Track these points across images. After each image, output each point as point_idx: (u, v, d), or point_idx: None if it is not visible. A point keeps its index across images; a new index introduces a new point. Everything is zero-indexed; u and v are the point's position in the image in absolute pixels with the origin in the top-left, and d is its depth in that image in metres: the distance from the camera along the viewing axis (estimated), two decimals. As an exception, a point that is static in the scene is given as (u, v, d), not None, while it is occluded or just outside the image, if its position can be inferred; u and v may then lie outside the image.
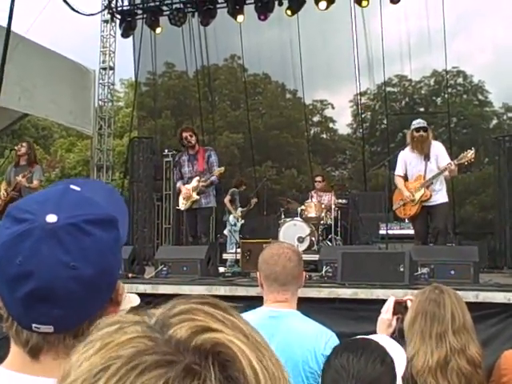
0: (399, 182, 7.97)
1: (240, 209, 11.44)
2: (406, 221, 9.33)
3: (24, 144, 9.59)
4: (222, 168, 8.71)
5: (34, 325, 1.03)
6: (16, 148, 9.60)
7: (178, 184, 8.94)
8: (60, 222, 1.02)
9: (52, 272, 1.00)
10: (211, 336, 0.58)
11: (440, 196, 7.69)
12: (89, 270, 1.02)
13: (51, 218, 1.02)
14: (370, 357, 1.83)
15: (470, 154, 7.51)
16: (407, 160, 7.92)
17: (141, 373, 0.55)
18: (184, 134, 8.76)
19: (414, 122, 8.00)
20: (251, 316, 2.83)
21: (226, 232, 11.67)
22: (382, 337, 2.00)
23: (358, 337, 2.00)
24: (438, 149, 7.85)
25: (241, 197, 12.14)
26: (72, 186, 1.12)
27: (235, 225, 11.07)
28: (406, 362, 2.70)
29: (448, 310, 2.69)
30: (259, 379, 0.57)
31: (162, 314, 0.62)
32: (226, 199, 11.48)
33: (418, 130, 7.82)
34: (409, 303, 2.88)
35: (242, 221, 11.38)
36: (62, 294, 1.01)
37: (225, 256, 10.66)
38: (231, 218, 11.20)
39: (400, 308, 2.91)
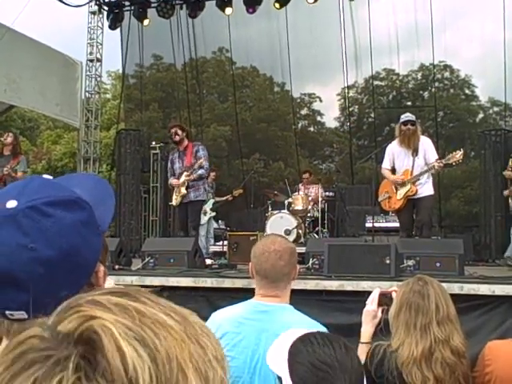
0: (386, 173, 8.01)
1: (212, 200, 11.24)
2: (391, 213, 9.39)
3: (10, 134, 9.58)
4: (201, 160, 8.68)
5: (7, 312, 1.04)
6: (2, 139, 9.55)
7: (170, 180, 8.99)
8: (19, 206, 1.02)
9: (11, 255, 1.00)
10: (88, 324, 0.58)
11: (426, 188, 7.73)
12: (49, 251, 1.02)
13: (11, 204, 1.03)
14: (342, 346, 1.79)
15: (459, 154, 7.54)
16: (395, 153, 7.95)
17: (16, 374, 0.56)
18: (171, 130, 8.80)
19: (402, 116, 8.04)
20: (240, 308, 2.83)
21: None
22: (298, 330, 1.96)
23: (302, 331, 1.91)
24: (426, 144, 7.88)
25: (222, 187, 12.09)
26: (43, 175, 1.13)
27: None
28: (391, 352, 2.73)
29: (432, 301, 2.71)
30: (126, 361, 0.56)
31: (58, 312, 0.62)
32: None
33: (405, 123, 7.85)
34: (394, 294, 2.90)
35: (213, 213, 11.20)
36: (25, 277, 1.00)
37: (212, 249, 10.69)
38: None
39: (385, 299, 2.93)
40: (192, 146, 8.82)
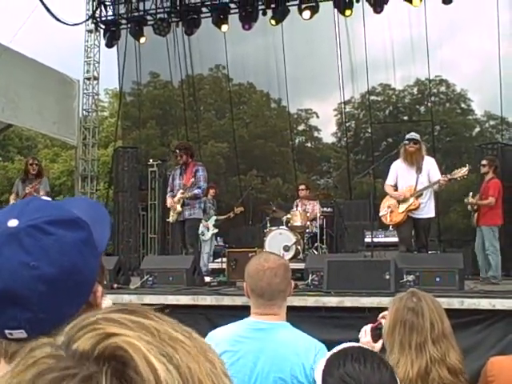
0: (389, 189, 8.04)
1: (214, 217, 11.27)
2: (391, 228, 9.38)
3: (32, 162, 9.90)
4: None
5: (6, 331, 1.03)
6: (28, 163, 9.90)
7: (167, 196, 9.09)
8: (21, 225, 1.03)
9: (13, 273, 1.01)
10: (110, 342, 0.58)
11: (427, 210, 7.77)
12: (51, 269, 1.03)
13: (12, 223, 1.03)
14: (374, 362, 1.78)
15: (465, 170, 7.62)
16: (398, 171, 8.01)
17: None
18: (176, 151, 9.02)
19: (407, 135, 8.15)
20: (238, 327, 2.80)
21: None
22: (357, 343, 1.98)
23: (345, 345, 1.92)
24: (430, 164, 7.97)
25: (220, 203, 12.09)
26: (43, 197, 1.15)
27: (203, 234, 10.94)
28: None
29: (427, 318, 2.64)
30: (158, 375, 0.57)
31: (69, 330, 0.62)
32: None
33: (408, 142, 7.94)
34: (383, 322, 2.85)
35: (215, 230, 11.21)
36: (27, 295, 1.01)
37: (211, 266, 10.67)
38: (200, 227, 11.03)
39: (377, 333, 2.88)
40: (193, 165, 8.91)
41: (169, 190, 9.15)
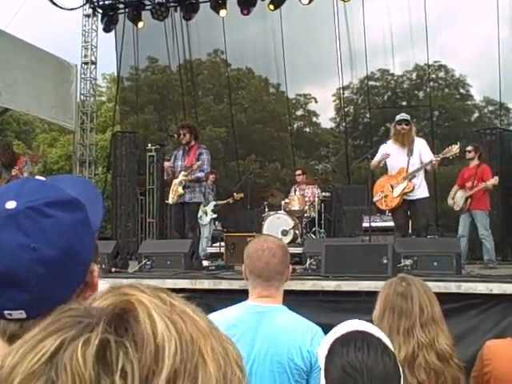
0: (373, 160, 8.06)
1: (213, 202, 11.26)
2: (388, 213, 9.40)
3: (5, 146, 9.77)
4: (199, 162, 8.64)
5: (6, 312, 1.05)
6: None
7: (167, 163, 8.95)
8: (19, 206, 1.04)
9: (13, 255, 1.02)
10: (124, 298, 0.63)
11: (421, 191, 7.77)
12: (50, 251, 1.03)
13: (10, 205, 1.04)
14: (377, 351, 1.76)
15: (456, 148, 7.62)
16: (389, 152, 7.98)
17: (45, 336, 0.61)
18: (179, 131, 8.76)
19: (397, 116, 8.12)
20: (235, 311, 2.81)
21: None
22: (363, 324, 1.94)
23: (349, 328, 1.87)
24: (421, 145, 7.95)
25: (218, 189, 12.10)
26: (37, 177, 1.17)
27: (201, 218, 10.96)
28: None
29: (416, 302, 2.64)
30: (156, 329, 0.60)
31: (98, 294, 0.67)
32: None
33: (400, 123, 7.94)
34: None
35: (214, 215, 11.21)
36: (27, 277, 1.02)
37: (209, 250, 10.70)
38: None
39: None
40: (197, 148, 8.74)
41: (167, 165, 8.95)
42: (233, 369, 0.64)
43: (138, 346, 0.58)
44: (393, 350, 1.83)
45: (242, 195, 11.49)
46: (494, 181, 8.93)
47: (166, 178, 9.21)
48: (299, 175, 11.55)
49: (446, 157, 7.75)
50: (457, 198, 9.44)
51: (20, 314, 1.04)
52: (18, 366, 0.59)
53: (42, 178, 1.16)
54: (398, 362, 1.82)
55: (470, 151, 9.56)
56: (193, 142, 8.74)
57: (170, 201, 8.76)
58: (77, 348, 0.58)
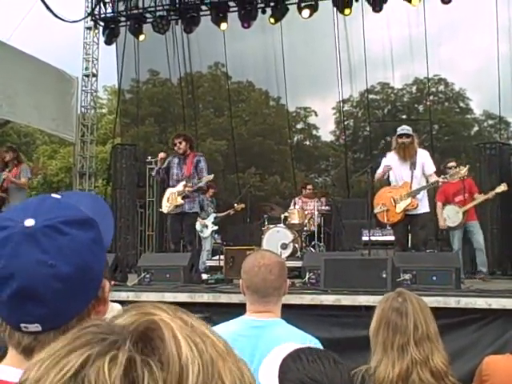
0: (378, 173, 8.05)
1: (213, 215, 11.24)
2: (388, 227, 9.39)
3: (7, 150, 9.91)
4: (211, 176, 8.66)
5: (22, 325, 1.09)
6: (3, 157, 9.80)
7: (161, 154, 8.93)
8: (37, 224, 1.08)
9: (32, 271, 1.06)
10: (147, 318, 0.64)
11: (422, 206, 7.75)
12: (67, 268, 1.08)
13: (29, 222, 1.09)
14: (330, 362, 1.74)
15: (464, 170, 7.60)
16: (391, 164, 7.96)
17: (69, 352, 0.61)
18: (174, 141, 8.71)
19: (398, 129, 8.10)
20: (233, 326, 2.81)
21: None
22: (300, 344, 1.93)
23: (291, 347, 1.85)
24: (423, 157, 7.92)
25: (218, 201, 12.11)
26: (52, 195, 1.20)
27: (202, 231, 10.94)
28: (370, 376, 2.68)
29: (411, 319, 2.62)
30: (181, 350, 0.61)
31: (119, 312, 0.68)
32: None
33: (401, 136, 7.91)
34: None
35: (215, 227, 11.18)
36: (44, 292, 1.06)
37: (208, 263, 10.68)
38: (197, 225, 11.02)
39: None
40: (193, 156, 8.71)
41: (161, 171, 8.90)
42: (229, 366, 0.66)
43: (164, 366, 0.60)
44: (341, 362, 1.81)
45: (242, 206, 11.45)
46: (503, 187, 8.78)
47: (153, 174, 9.13)
48: (310, 189, 11.58)
49: (454, 179, 7.73)
50: (449, 214, 9.35)
51: (36, 327, 1.09)
52: (43, 380, 0.60)
53: (58, 196, 1.20)
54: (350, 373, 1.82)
55: (454, 167, 9.49)
56: (188, 151, 8.72)
57: (166, 210, 8.69)
58: (103, 365, 0.59)
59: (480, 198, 9.28)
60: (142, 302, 0.72)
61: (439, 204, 9.41)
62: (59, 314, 1.08)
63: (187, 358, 0.61)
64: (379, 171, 8.05)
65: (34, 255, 1.07)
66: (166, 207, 8.67)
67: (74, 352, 0.61)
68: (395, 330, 2.63)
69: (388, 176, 8.03)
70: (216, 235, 12.30)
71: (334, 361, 1.76)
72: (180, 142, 8.63)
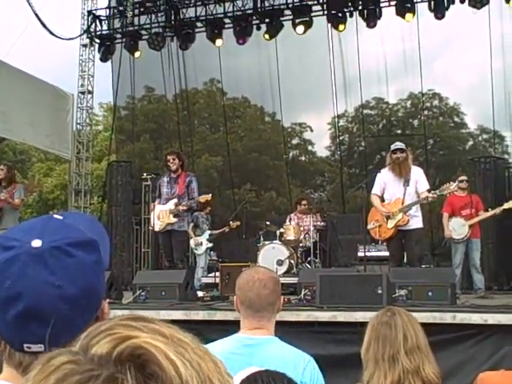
0: (375, 200, 8.01)
1: (208, 232, 11.23)
2: (382, 243, 9.39)
3: (2, 167, 9.79)
4: (209, 195, 8.79)
5: (25, 345, 1.10)
6: None
7: (155, 202, 8.98)
8: (44, 245, 1.10)
9: (39, 292, 1.08)
10: (128, 343, 0.62)
11: (416, 221, 7.75)
12: (73, 289, 1.10)
13: (36, 243, 1.10)
14: (283, 383, 1.77)
15: (453, 186, 7.60)
16: (385, 181, 7.97)
17: None
18: (168, 157, 8.82)
19: (392, 145, 8.12)
20: (226, 344, 2.80)
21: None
22: (264, 368, 1.95)
23: (252, 370, 1.89)
24: (417, 174, 7.93)
25: (213, 218, 12.09)
26: (55, 216, 1.22)
27: (196, 249, 10.91)
28: None
29: (400, 330, 2.64)
30: (179, 370, 0.61)
31: (83, 339, 0.66)
32: (190, 225, 10.73)
33: (395, 151, 7.93)
34: None
35: (210, 244, 11.16)
36: (50, 313, 1.07)
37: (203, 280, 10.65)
38: (191, 242, 10.99)
39: None
40: (185, 176, 8.82)
41: (157, 196, 9.05)
42: (228, 382, 0.67)
43: None
44: (297, 382, 1.84)
45: (238, 223, 11.45)
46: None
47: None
48: (305, 205, 11.58)
49: (443, 194, 7.74)
50: (455, 227, 9.36)
51: (39, 347, 1.09)
52: None
53: (60, 217, 1.22)
54: None
55: (466, 181, 9.57)
56: (180, 170, 8.82)
57: (157, 228, 8.77)
58: None
59: (486, 213, 9.31)
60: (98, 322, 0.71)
61: (446, 215, 9.47)
62: (62, 335, 1.07)
63: (186, 377, 0.61)
64: (375, 192, 8.04)
65: (41, 276, 1.08)
66: (158, 225, 8.74)
67: None
68: (385, 342, 2.65)
69: (383, 193, 8.04)
70: (211, 252, 12.28)
71: (287, 382, 1.78)
72: (173, 159, 8.75)
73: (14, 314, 1.08)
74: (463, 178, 9.50)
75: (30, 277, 1.08)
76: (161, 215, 8.70)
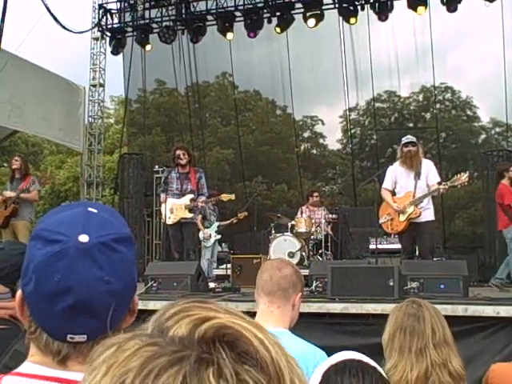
0: (386, 195, 8.00)
1: (216, 223, 11.24)
2: (394, 235, 9.37)
3: (17, 158, 9.89)
4: (233, 195, 9.18)
5: (69, 335, 1.13)
6: (11, 164, 9.92)
7: (163, 195, 8.98)
8: (91, 241, 1.13)
9: (90, 286, 1.12)
10: (211, 323, 0.61)
11: (428, 213, 7.72)
12: (119, 284, 1.15)
13: (83, 238, 1.13)
14: (372, 379, 1.75)
15: (464, 177, 7.51)
16: (397, 175, 7.95)
17: (157, 376, 0.57)
18: (177, 152, 8.85)
19: (403, 138, 8.09)
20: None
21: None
22: (357, 353, 1.91)
23: (344, 356, 1.86)
24: (428, 167, 7.90)
25: (225, 210, 12.11)
26: (90, 209, 1.23)
27: (205, 241, 10.93)
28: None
29: (428, 324, 2.64)
30: (269, 348, 0.61)
31: (156, 322, 0.64)
32: (199, 217, 10.72)
33: (406, 145, 7.90)
34: None
35: (218, 236, 11.17)
36: (99, 306, 1.12)
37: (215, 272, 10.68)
38: (200, 234, 11.01)
39: None
40: (195, 172, 8.89)
41: (163, 189, 9.06)
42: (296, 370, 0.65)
43: (264, 370, 0.59)
44: (388, 379, 1.81)
45: (245, 214, 11.45)
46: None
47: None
48: (317, 197, 11.57)
49: (454, 185, 7.66)
50: None
51: (83, 338, 1.13)
52: None
53: (95, 211, 1.22)
54: None
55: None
56: (188, 167, 8.91)
57: (171, 221, 8.82)
58: (209, 379, 0.56)
59: None
60: (151, 310, 0.69)
61: None
62: (106, 327, 1.10)
63: (276, 356, 0.61)
64: (386, 186, 8.01)
65: (91, 271, 1.12)
66: (172, 219, 8.78)
67: (160, 377, 0.56)
68: (413, 334, 2.64)
69: (394, 187, 8.03)
70: (223, 244, 12.30)
71: (376, 379, 1.75)
72: (184, 154, 8.85)
73: (63, 306, 1.10)
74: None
75: (80, 271, 1.11)
76: (174, 209, 8.73)
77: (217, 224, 11.17)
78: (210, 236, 10.92)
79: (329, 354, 2.77)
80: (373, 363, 1.84)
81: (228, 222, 11.52)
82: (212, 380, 0.56)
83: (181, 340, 0.60)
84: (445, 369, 2.58)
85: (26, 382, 1.11)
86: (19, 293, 1.18)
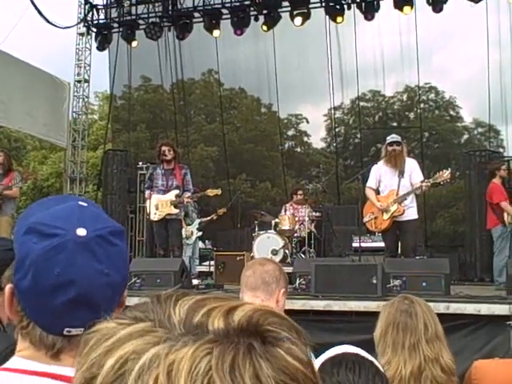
0: (370, 193, 8.04)
1: (197, 221, 11.23)
2: (378, 233, 9.42)
3: (0, 153, 9.74)
4: (219, 190, 9.01)
5: (66, 329, 1.13)
6: None
7: (148, 191, 8.94)
8: (89, 234, 1.14)
9: (90, 279, 1.13)
10: (239, 314, 0.61)
11: (411, 212, 7.77)
12: (117, 276, 1.17)
13: (81, 232, 1.14)
14: (369, 373, 1.74)
15: (446, 174, 7.55)
16: (381, 174, 8.00)
17: (232, 367, 0.56)
18: (163, 148, 8.79)
19: (388, 137, 8.13)
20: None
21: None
22: (354, 348, 1.93)
23: (341, 350, 1.85)
24: (412, 165, 7.95)
25: (208, 207, 12.09)
26: (80, 203, 1.23)
27: (187, 238, 10.92)
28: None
29: (420, 319, 2.68)
30: (302, 334, 0.63)
31: (180, 322, 0.62)
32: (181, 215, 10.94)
33: (391, 144, 7.94)
34: None
35: (199, 233, 11.18)
36: (99, 300, 1.13)
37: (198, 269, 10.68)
38: (183, 232, 10.99)
39: None
40: (180, 168, 8.86)
41: (147, 186, 9.03)
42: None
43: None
44: (384, 373, 1.82)
45: (224, 210, 11.43)
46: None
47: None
48: (301, 195, 11.58)
49: (437, 182, 7.71)
50: None
51: (79, 331, 1.11)
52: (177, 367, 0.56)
53: (85, 204, 1.23)
54: None
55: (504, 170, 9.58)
56: (173, 163, 8.87)
57: (157, 218, 8.78)
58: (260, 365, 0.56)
59: None
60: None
61: (505, 203, 9.16)
62: (101, 319, 1.09)
63: (304, 347, 0.63)
64: (370, 185, 8.06)
65: (91, 264, 1.12)
66: (157, 215, 8.74)
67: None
68: (405, 330, 2.67)
69: (378, 185, 8.07)
70: (206, 241, 12.30)
71: (373, 373, 1.75)
72: (169, 150, 8.80)
73: (63, 300, 1.11)
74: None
75: (80, 265, 1.11)
76: (160, 205, 8.70)
77: (198, 221, 11.16)
78: (192, 233, 10.90)
79: (313, 352, 2.80)
80: (370, 357, 1.85)
81: (208, 218, 11.50)
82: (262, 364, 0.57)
83: (223, 332, 0.59)
84: (437, 364, 2.62)
85: (15, 378, 1.10)
86: (9, 287, 1.16)
